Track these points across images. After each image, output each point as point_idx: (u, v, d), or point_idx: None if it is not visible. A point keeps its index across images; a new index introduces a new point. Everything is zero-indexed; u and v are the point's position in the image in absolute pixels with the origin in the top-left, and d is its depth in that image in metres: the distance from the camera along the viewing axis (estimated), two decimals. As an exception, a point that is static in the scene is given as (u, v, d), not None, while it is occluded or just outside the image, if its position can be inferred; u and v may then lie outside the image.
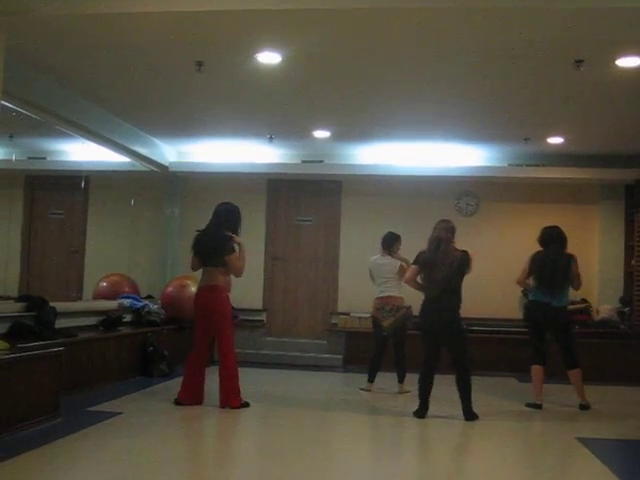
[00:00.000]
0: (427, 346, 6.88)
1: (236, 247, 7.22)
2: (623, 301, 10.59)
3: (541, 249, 7.66)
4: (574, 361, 7.45)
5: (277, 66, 6.90)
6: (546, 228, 7.78)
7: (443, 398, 7.11)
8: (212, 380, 7.12)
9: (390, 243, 8.43)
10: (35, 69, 7.32)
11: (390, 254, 8.39)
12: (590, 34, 5.78)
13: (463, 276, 6.82)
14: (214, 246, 7.12)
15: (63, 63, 7.15)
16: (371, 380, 8.34)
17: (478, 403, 6.86)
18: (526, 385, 8.42)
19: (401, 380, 8.25)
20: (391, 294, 8.21)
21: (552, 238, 7.63)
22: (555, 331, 7.55)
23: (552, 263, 7.49)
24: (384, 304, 8.19)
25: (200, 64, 6.84)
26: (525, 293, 8.44)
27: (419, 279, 6.98)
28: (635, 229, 10.35)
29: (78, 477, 4.69)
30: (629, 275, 10.62)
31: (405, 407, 7.23)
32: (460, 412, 6.72)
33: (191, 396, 7.04)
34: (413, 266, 7.06)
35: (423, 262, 6.92)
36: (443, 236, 6.88)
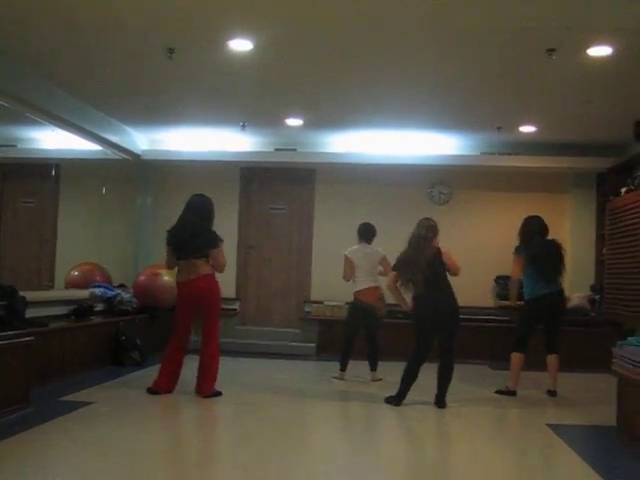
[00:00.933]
0: (421, 341, 6.81)
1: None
2: (594, 289, 10.68)
3: (523, 241, 7.69)
4: (556, 346, 7.57)
5: (249, 53, 6.86)
6: (529, 219, 7.80)
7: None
8: (188, 368, 7.12)
9: (372, 233, 8.46)
10: (2, 56, 7.22)
11: (370, 244, 8.41)
12: (562, 21, 5.81)
13: (444, 268, 6.81)
14: (201, 239, 7.05)
15: (31, 49, 7.06)
16: (343, 369, 8.36)
17: (452, 390, 6.90)
18: (499, 372, 8.50)
19: (374, 368, 8.31)
20: (379, 284, 8.21)
21: (537, 229, 7.66)
22: (550, 318, 7.58)
23: (546, 253, 7.51)
24: (380, 294, 8.20)
25: (171, 51, 6.78)
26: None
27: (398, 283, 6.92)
28: (606, 217, 10.42)
29: (48, 467, 4.65)
30: (600, 263, 10.70)
31: (379, 394, 7.24)
32: (429, 399, 6.77)
33: (167, 384, 7.03)
34: (392, 272, 7.02)
35: (403, 261, 6.86)
36: (423, 234, 6.85)
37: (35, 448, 5.02)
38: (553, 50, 6.42)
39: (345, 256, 8.35)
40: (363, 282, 8.27)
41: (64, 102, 8.66)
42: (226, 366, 7.63)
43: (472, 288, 10.32)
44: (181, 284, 7.13)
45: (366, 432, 6.09)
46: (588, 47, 6.43)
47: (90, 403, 6.48)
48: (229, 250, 11.41)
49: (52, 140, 10.54)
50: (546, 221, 7.72)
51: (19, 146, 10.97)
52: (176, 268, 7.22)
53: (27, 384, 6.15)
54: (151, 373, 7.33)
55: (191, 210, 7.22)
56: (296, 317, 11.38)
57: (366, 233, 8.44)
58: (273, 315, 11.64)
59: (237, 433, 6.00)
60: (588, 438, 6.05)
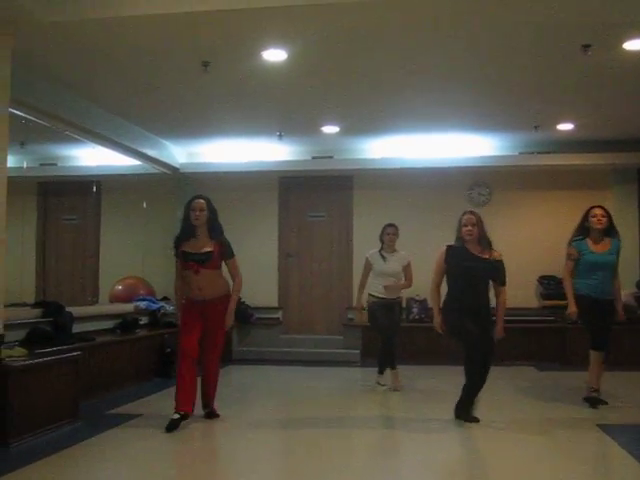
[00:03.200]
0: (475, 351, 6.12)
1: None
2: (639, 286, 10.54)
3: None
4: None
5: (283, 63, 6.90)
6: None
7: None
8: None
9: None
10: (42, 76, 7.35)
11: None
12: (596, 17, 5.76)
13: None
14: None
15: (70, 69, 7.18)
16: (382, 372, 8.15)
17: (498, 391, 6.82)
18: (546, 374, 8.40)
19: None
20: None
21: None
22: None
23: None
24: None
25: (206, 64, 6.83)
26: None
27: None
28: (649, 212, 10.27)
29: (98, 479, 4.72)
30: (646, 259, 10.56)
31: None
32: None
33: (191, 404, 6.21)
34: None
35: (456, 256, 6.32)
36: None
37: (85, 461, 5.09)
38: (589, 46, 6.35)
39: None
40: (380, 287, 8.01)
41: (102, 119, 8.78)
42: (270, 375, 7.64)
43: (515, 289, 10.21)
44: (192, 298, 6.42)
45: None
46: (624, 41, 6.36)
47: (137, 416, 6.54)
48: (270, 259, 11.55)
49: (92, 157, 10.70)
50: (579, 218, 7.26)
51: (59, 164, 11.16)
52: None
53: (76, 398, 6.23)
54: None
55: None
56: (339, 324, 11.37)
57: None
58: (316, 323, 11.65)
59: (280, 442, 6.01)
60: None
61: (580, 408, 6.80)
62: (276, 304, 11.63)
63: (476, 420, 6.15)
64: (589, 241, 6.92)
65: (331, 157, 11.20)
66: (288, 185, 11.86)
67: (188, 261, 6.34)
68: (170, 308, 9.80)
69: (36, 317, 7.43)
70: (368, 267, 8.07)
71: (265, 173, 11.42)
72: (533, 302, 10.94)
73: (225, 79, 7.49)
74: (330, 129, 9.91)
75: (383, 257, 8.01)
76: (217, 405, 6.56)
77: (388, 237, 8.06)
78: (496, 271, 6.22)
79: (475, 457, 5.44)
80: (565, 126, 9.73)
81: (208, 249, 6.32)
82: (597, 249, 6.89)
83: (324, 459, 5.17)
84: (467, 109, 8.84)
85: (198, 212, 6.33)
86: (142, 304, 9.66)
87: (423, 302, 10.67)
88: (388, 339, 7.90)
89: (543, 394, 7.70)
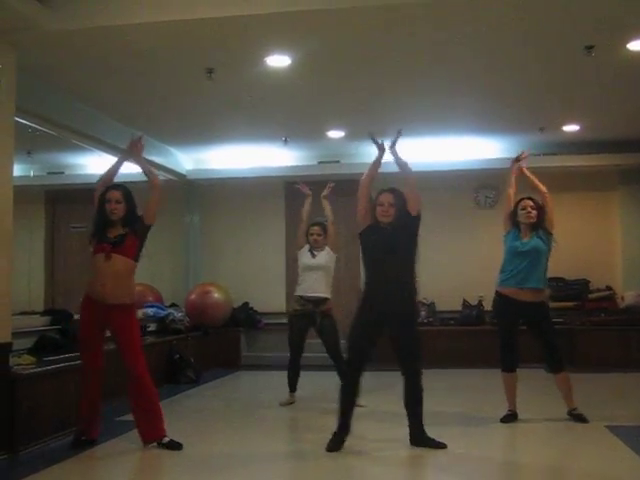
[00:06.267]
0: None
1: None
2: (648, 286, 10.50)
3: None
4: None
5: (287, 68, 6.92)
6: None
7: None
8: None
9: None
10: (47, 84, 7.38)
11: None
12: (599, 18, 5.76)
13: None
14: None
15: (74, 77, 7.21)
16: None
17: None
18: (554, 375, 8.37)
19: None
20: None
21: None
22: None
23: None
24: None
25: (210, 71, 6.86)
26: None
27: None
28: (657, 213, 10.26)
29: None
30: (654, 259, 10.53)
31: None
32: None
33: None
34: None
35: None
36: None
37: (96, 468, 5.11)
38: (592, 47, 6.35)
39: None
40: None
41: (108, 127, 8.80)
42: (281, 381, 7.64)
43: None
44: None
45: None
46: (628, 42, 6.36)
47: (147, 422, 6.55)
48: (277, 265, 11.57)
49: (99, 165, 10.72)
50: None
51: (67, 172, 11.19)
52: None
53: (85, 406, 6.24)
54: (206, 391, 7.35)
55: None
56: (347, 328, 11.32)
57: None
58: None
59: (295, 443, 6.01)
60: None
61: (586, 409, 6.77)
62: (284, 309, 11.63)
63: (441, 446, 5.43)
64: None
65: (337, 162, 11.20)
66: (294, 190, 11.83)
67: (102, 242, 5.57)
68: (179, 315, 9.83)
69: (44, 325, 7.46)
70: None
71: (271, 179, 11.45)
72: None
73: (229, 85, 7.52)
74: (336, 134, 9.92)
75: None
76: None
77: None
78: None
79: (473, 454, 5.44)
80: (571, 127, 9.72)
81: (122, 232, 5.65)
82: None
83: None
84: (472, 112, 8.84)
85: (114, 204, 5.65)
86: (150, 311, 9.67)
87: (430, 306, 10.69)
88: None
89: (549, 394, 7.68)
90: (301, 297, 7.55)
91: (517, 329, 6.46)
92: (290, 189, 11.73)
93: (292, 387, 7.60)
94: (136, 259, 5.77)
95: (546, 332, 6.39)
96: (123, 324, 5.64)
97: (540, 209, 6.57)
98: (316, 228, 7.66)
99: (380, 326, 5.52)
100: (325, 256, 7.58)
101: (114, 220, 5.65)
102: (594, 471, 4.91)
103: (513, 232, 6.57)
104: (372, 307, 5.49)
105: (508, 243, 6.55)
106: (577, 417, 6.30)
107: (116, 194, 5.70)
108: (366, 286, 5.63)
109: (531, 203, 6.62)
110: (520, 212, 6.58)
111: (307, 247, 7.70)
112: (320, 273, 7.53)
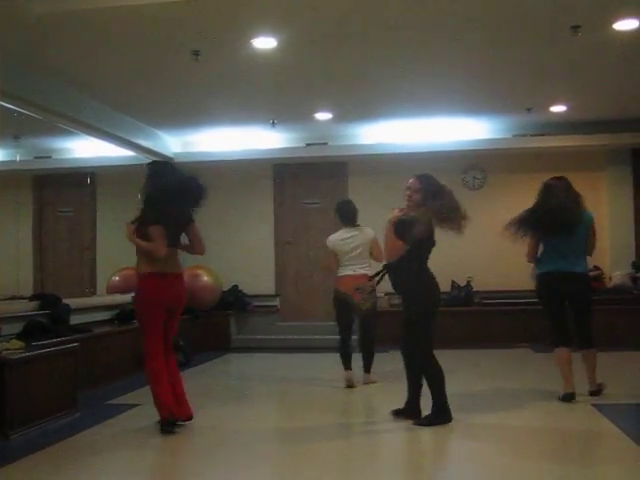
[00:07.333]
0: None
1: None
2: (635, 266, 10.56)
3: None
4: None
5: (273, 51, 6.90)
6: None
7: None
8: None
9: (355, 213, 7.67)
10: (33, 68, 7.34)
11: (356, 226, 7.58)
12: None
13: None
14: (185, 219, 5.96)
15: (60, 60, 7.16)
16: (348, 367, 7.55)
17: (494, 374, 6.85)
18: (540, 355, 8.43)
19: (368, 370, 7.60)
20: (366, 272, 7.22)
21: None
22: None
23: None
24: (362, 284, 6.60)
25: (197, 53, 6.85)
26: None
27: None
28: (644, 193, 10.29)
29: (99, 469, 4.74)
30: (641, 239, 10.60)
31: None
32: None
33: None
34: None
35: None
36: None
37: (85, 450, 5.13)
38: (578, 27, 6.35)
39: (328, 247, 7.58)
40: (344, 269, 7.44)
41: (95, 110, 8.77)
42: (267, 363, 7.66)
43: (510, 272, 10.27)
44: (157, 279, 5.99)
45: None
46: (614, 22, 6.37)
47: (136, 405, 6.58)
48: (266, 247, 11.59)
49: (87, 149, 10.70)
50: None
51: (54, 157, 11.14)
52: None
53: (74, 389, 6.27)
54: (196, 374, 7.34)
55: (173, 181, 6.14)
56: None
57: (347, 214, 7.62)
58: (313, 309, 11.63)
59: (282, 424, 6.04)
60: (634, 416, 6.02)
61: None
62: (273, 292, 11.67)
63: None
64: None
65: (325, 144, 11.21)
66: (283, 172, 11.87)
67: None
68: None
69: (33, 310, 7.46)
70: None
71: (259, 161, 11.43)
72: (528, 284, 10.93)
73: (216, 67, 7.49)
74: (323, 116, 9.91)
75: None
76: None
77: None
78: None
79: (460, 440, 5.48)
80: (558, 108, 9.73)
81: None
82: None
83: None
84: (460, 93, 8.83)
85: None
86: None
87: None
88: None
89: (536, 373, 7.74)
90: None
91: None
92: (277, 171, 11.75)
93: (347, 365, 7.58)
94: None
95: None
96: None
97: None
98: None
99: None
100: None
101: None
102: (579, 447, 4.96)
103: None
104: None
105: None
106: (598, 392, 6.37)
107: None
108: None
109: None
110: None
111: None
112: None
